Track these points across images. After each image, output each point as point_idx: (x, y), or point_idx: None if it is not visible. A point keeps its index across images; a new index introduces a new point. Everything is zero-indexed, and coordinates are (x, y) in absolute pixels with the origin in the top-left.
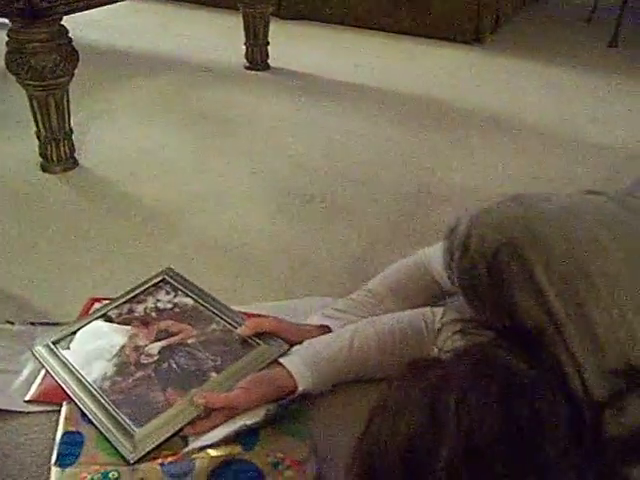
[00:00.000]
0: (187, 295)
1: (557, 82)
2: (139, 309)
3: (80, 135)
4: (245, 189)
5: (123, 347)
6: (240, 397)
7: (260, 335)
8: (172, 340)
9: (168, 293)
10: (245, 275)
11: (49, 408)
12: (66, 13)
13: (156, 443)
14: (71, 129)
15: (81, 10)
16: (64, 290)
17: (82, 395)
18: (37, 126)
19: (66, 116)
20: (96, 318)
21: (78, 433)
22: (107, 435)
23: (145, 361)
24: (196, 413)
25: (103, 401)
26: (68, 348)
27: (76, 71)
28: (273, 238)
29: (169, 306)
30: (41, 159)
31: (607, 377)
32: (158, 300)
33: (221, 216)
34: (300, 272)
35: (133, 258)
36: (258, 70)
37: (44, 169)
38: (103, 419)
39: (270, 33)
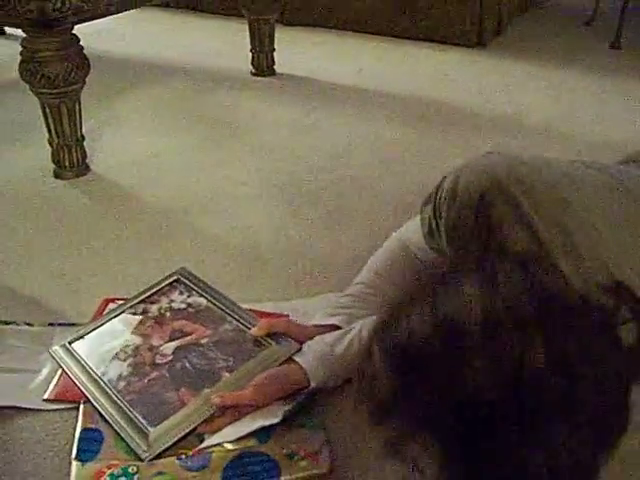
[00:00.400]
0: (201, 295)
1: (560, 84)
2: (153, 309)
3: (91, 141)
4: (253, 191)
5: (138, 347)
6: (253, 394)
7: (271, 335)
8: (186, 340)
9: (182, 293)
10: (255, 274)
11: (67, 406)
12: (76, 22)
13: (170, 442)
14: (83, 135)
15: (91, 19)
16: (79, 291)
17: (98, 394)
18: (50, 133)
19: (78, 123)
20: (111, 318)
21: (97, 430)
22: (122, 434)
23: (159, 361)
24: (209, 412)
25: (118, 401)
26: (84, 348)
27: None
28: (281, 238)
29: (183, 306)
30: (54, 166)
31: (596, 294)
32: (172, 300)
33: (230, 217)
34: (307, 271)
35: (146, 259)
36: (264, 76)
37: (57, 175)
38: (118, 418)
39: (275, 39)
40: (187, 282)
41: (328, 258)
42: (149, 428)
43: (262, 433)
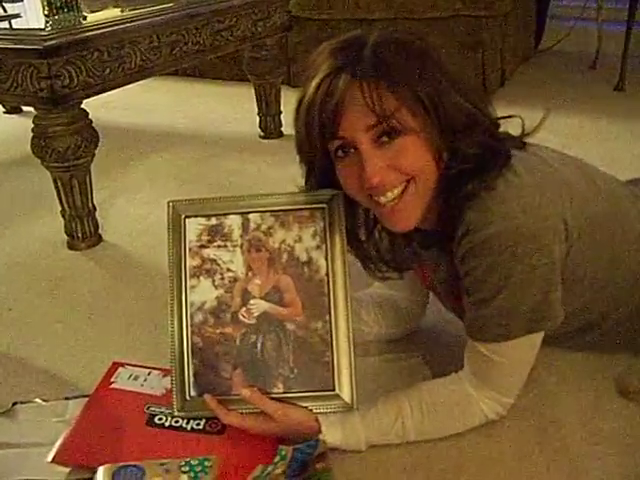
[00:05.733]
0: (329, 257)
1: (566, 130)
2: (277, 237)
3: (103, 211)
4: None
5: (236, 281)
6: (279, 411)
7: None
8: (276, 311)
9: (314, 237)
10: None
11: (85, 476)
12: (85, 97)
13: (200, 415)
14: (94, 206)
15: (98, 93)
16: (94, 361)
17: (175, 316)
18: (62, 205)
19: (89, 194)
20: (235, 213)
21: None
22: (172, 371)
23: (242, 317)
24: (246, 411)
25: (185, 338)
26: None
27: (96, 151)
28: None
29: (305, 259)
30: (67, 237)
31: None
32: (300, 239)
33: None
34: None
35: (157, 328)
36: (272, 138)
37: (70, 246)
38: (175, 357)
39: (282, 101)
40: (329, 219)
41: None
42: (192, 393)
43: None
